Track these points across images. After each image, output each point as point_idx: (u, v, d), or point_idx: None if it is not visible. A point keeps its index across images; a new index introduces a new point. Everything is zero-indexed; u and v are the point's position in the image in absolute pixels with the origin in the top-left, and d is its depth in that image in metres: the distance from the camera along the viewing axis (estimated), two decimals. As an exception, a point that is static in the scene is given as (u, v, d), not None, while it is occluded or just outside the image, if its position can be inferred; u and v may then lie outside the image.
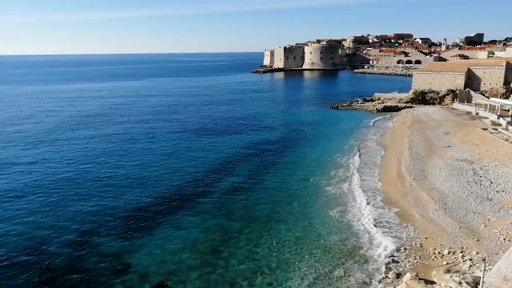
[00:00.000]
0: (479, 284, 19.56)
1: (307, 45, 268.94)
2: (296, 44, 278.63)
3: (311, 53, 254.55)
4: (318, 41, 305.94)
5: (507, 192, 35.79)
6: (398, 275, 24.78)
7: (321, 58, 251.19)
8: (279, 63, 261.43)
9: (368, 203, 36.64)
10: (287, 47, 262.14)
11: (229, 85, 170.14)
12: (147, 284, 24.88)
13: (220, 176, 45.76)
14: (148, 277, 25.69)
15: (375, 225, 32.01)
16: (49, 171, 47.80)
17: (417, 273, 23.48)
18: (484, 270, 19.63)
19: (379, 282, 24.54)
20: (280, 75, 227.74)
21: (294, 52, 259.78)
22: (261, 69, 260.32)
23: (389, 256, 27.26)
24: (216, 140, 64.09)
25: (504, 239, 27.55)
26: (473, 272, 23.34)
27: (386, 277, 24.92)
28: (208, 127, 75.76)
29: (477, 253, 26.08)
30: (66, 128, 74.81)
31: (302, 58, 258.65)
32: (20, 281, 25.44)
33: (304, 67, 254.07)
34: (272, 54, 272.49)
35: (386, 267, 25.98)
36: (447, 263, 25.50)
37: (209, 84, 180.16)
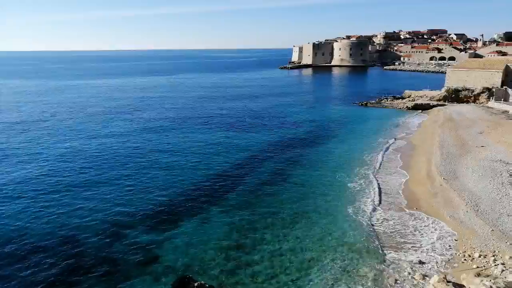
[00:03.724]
0: (511, 290, 18.81)
1: (337, 41, 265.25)
2: (325, 40, 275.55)
3: (340, 49, 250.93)
4: (348, 37, 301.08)
5: (545, 195, 34.13)
6: (425, 277, 24.18)
7: (350, 55, 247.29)
8: (307, 59, 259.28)
9: (395, 203, 35.89)
10: (316, 43, 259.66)
11: (256, 81, 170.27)
12: (172, 275, 25.38)
13: (246, 171, 45.99)
14: (174, 269, 26.21)
15: (402, 226, 31.31)
16: (81, 163, 49.44)
17: (445, 276, 22.83)
18: (517, 275, 18.85)
19: (405, 283, 24.03)
20: (308, 71, 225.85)
21: (323, 48, 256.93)
22: (289, 65, 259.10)
23: (416, 258, 26.63)
24: (243, 136, 64.37)
25: (540, 244, 26.34)
26: (505, 277, 22.46)
27: (413, 278, 24.38)
28: (234, 122, 76.17)
29: (510, 257, 25.08)
30: (101, 121, 77.09)
31: (331, 54, 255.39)
32: (50, 268, 26.49)
33: (333, 63, 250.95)
34: (300, 50, 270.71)
35: (413, 268, 25.41)
36: (478, 267, 24.66)
37: (235, 79, 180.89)
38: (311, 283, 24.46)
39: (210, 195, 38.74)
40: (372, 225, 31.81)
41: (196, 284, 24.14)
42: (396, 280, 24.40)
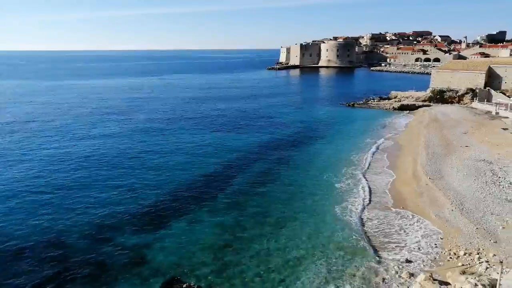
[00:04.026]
0: (495, 287, 19.20)
1: (324, 42, 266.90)
2: (313, 41, 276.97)
3: (327, 50, 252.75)
4: (335, 38, 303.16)
5: (527, 194, 34.91)
6: (412, 275, 24.49)
7: (337, 56, 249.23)
8: (295, 60, 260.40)
9: (381, 203, 36.30)
10: (303, 44, 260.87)
11: (244, 82, 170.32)
12: (161, 277, 25.20)
13: (234, 172, 45.94)
14: (162, 270, 26.00)
15: (388, 225, 31.67)
16: (67, 164, 48.73)
17: (431, 274, 23.18)
18: (501, 273, 19.24)
19: (393, 281, 24.30)
20: (296, 72, 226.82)
21: (310, 49, 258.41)
22: (277, 66, 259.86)
23: (403, 256, 26.97)
24: (231, 137, 64.30)
25: (523, 242, 26.93)
26: (489, 275, 22.89)
27: (400, 277, 24.67)
28: (222, 123, 76.05)
29: (494, 255, 25.57)
30: (88, 123, 76.09)
31: (318, 55, 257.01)
32: (36, 272, 26.04)
33: (320, 64, 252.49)
34: (288, 51, 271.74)
35: (400, 267, 25.71)
36: (463, 265, 25.07)
37: (223, 80, 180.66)
38: (299, 282, 24.55)
39: (199, 196, 38.58)
40: (360, 224, 32.07)
41: (184, 286, 24.07)
42: (383, 279, 24.65)
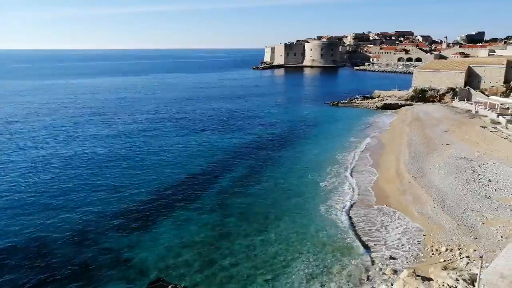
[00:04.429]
0: (475, 281, 19.65)
1: (308, 42, 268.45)
2: (297, 40, 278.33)
3: (311, 50, 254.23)
4: (319, 38, 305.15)
5: (505, 190, 35.87)
6: (396, 272, 24.89)
7: (321, 55, 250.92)
8: (279, 59, 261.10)
9: (365, 201, 36.76)
10: (287, 43, 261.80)
11: (228, 82, 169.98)
12: (146, 278, 24.99)
13: (219, 172, 45.84)
14: (147, 272, 25.79)
15: (372, 223, 32.11)
16: (46, 167, 47.81)
17: (414, 270, 23.58)
18: (481, 268, 19.71)
19: (377, 278, 24.65)
20: (281, 71, 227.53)
21: (294, 49, 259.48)
22: (262, 66, 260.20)
23: (387, 253, 27.37)
24: (215, 137, 64.13)
25: (502, 237, 27.65)
26: (470, 270, 23.45)
27: (384, 273, 25.04)
28: (206, 123, 75.77)
29: (475, 250, 26.20)
30: (70, 124, 74.78)
31: (303, 54, 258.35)
32: (18, 277, 25.50)
33: (304, 64, 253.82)
34: (272, 50, 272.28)
35: (384, 264, 26.09)
36: (445, 260, 25.61)
37: (208, 80, 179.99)
38: (285, 281, 24.68)
39: (184, 196, 38.37)
40: (344, 222, 32.40)
41: (170, 286, 23.91)
42: (368, 276, 24.99)
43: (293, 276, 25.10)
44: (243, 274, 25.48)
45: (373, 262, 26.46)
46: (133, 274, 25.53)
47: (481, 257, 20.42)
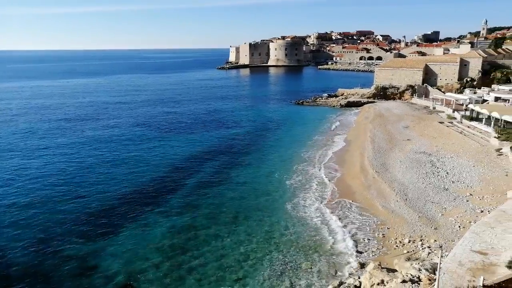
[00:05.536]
0: (436, 270, 20.53)
1: (272, 42, 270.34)
2: (261, 40, 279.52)
3: (276, 49, 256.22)
4: (283, 38, 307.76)
5: (462, 182, 37.74)
6: (362, 265, 25.60)
7: (286, 55, 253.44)
8: (244, 59, 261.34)
9: (331, 197, 37.53)
10: (252, 43, 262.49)
11: (193, 82, 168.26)
12: (113, 285, 24.36)
13: (185, 173, 45.34)
14: (114, 278, 25.14)
15: (339, 218, 32.84)
16: (5, 174, 45.54)
17: (379, 262, 24.35)
18: (441, 257, 20.62)
19: (344, 272, 25.25)
20: (246, 71, 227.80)
21: (259, 49, 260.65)
22: (227, 66, 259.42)
23: (353, 247, 28.09)
24: (181, 138, 63.37)
25: (459, 227, 29.07)
26: (431, 259, 24.49)
27: (351, 267, 25.68)
28: (172, 124, 74.72)
29: (435, 240, 27.39)
30: (29, 131, 71.45)
31: (267, 54, 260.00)
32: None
33: (269, 63, 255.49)
34: (237, 50, 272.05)
35: (351, 258, 26.76)
36: (408, 252, 26.62)
37: (173, 80, 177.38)
38: (255, 280, 24.78)
39: (150, 200, 37.66)
40: (312, 219, 32.96)
41: (138, 292, 23.39)
42: (336, 270, 25.56)
43: (263, 275, 25.25)
44: (212, 274, 25.38)
45: (341, 257, 27.08)
46: (100, 281, 24.82)
47: (441, 247, 21.34)
